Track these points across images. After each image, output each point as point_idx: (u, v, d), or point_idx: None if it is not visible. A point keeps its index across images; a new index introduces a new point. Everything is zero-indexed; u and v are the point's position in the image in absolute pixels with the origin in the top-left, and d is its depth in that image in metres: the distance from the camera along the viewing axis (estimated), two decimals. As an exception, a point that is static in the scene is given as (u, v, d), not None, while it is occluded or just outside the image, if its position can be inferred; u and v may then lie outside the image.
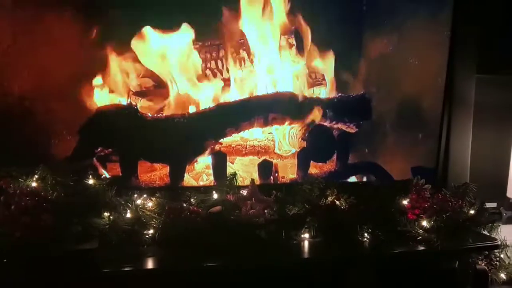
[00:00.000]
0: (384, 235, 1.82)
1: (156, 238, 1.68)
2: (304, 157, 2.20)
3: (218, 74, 2.34)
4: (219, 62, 2.33)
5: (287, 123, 2.22)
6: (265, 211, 1.77)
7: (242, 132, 2.19)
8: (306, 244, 1.79)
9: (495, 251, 2.15)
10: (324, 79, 2.44)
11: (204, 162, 2.22)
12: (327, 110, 2.28)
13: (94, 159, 2.00)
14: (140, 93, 2.28)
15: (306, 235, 1.81)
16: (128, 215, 1.71)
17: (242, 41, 2.32)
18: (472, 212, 1.93)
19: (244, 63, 2.31)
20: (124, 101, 2.25)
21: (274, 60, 2.32)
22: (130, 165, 1.99)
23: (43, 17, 2.05)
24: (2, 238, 1.50)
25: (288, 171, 2.30)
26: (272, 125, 2.23)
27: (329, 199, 1.86)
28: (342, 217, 1.82)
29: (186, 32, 2.23)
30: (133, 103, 2.20)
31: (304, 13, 2.34)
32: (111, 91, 2.24)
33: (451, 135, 2.26)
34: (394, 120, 2.50)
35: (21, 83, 2.03)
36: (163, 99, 2.27)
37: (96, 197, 1.72)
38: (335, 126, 2.33)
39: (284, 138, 2.33)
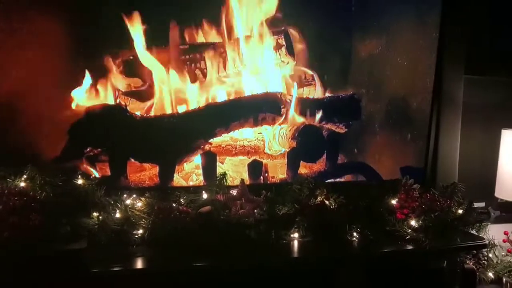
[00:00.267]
0: (373, 234, 1.83)
1: (146, 238, 1.67)
2: (294, 157, 2.20)
3: (207, 74, 2.33)
4: (208, 62, 2.32)
5: (276, 123, 2.22)
6: (255, 211, 1.77)
7: (232, 132, 2.19)
8: (295, 243, 1.79)
9: (483, 250, 2.17)
10: (313, 79, 2.45)
11: (194, 162, 2.21)
12: (316, 110, 2.28)
13: (83, 159, 1.99)
14: (129, 93, 2.28)
15: (296, 235, 1.82)
16: (117, 215, 1.70)
17: (232, 41, 2.32)
18: (460, 211, 1.95)
19: (234, 63, 2.31)
20: (113, 101, 2.24)
21: (263, 60, 2.32)
22: (119, 165, 1.98)
23: (29, 16, 2.04)
24: (-10, 238, 1.50)
25: (278, 171, 2.30)
26: (261, 125, 2.23)
27: (319, 199, 1.87)
28: (331, 217, 1.83)
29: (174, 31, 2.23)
30: (122, 102, 2.19)
31: (293, 14, 2.35)
32: (100, 90, 2.23)
33: (439, 135, 2.28)
34: (383, 120, 2.51)
35: (8, 82, 2.01)
36: (153, 99, 2.26)
37: (85, 197, 1.71)
38: (325, 126, 2.33)
39: (274, 138, 2.33)
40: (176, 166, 2.08)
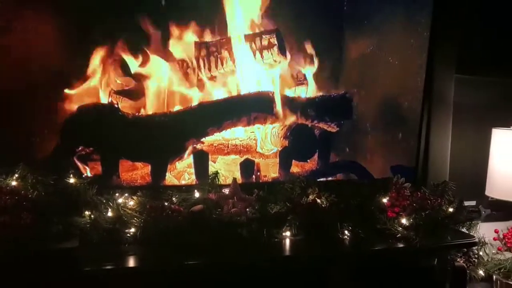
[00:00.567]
0: (364, 232, 1.85)
1: (138, 237, 1.67)
2: (286, 156, 2.21)
3: (200, 73, 2.33)
4: (201, 61, 2.32)
5: (268, 122, 2.23)
6: (247, 209, 1.77)
7: (224, 131, 2.20)
8: (287, 242, 1.80)
9: (474, 248, 2.19)
10: (305, 78, 2.45)
11: (186, 161, 2.22)
12: (308, 110, 2.29)
13: (75, 158, 1.99)
14: (122, 92, 2.27)
15: (288, 233, 1.82)
16: (110, 214, 1.70)
17: (223, 40, 2.32)
18: (451, 210, 1.96)
19: (226, 62, 2.31)
20: (105, 99, 2.24)
21: (255, 60, 2.33)
22: (111, 164, 1.98)
23: (21, 13, 2.03)
24: (-19, 237, 1.49)
25: (270, 170, 2.31)
26: (254, 124, 2.23)
27: (310, 197, 1.87)
28: (323, 215, 1.84)
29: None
30: (114, 101, 2.19)
31: (285, 13, 2.36)
32: (92, 89, 2.22)
33: (430, 135, 2.29)
34: (375, 120, 2.52)
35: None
36: (145, 98, 2.26)
37: (77, 196, 1.70)
38: (317, 125, 2.34)
39: (266, 137, 2.34)
40: (168, 165, 2.08)
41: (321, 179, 2.23)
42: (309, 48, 2.44)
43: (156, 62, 2.27)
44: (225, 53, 2.30)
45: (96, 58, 2.20)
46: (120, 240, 1.67)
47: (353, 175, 2.35)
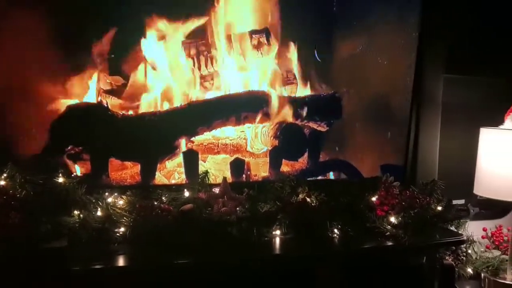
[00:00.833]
0: (354, 231, 1.85)
1: (127, 236, 1.67)
2: (276, 155, 2.21)
3: (190, 72, 2.33)
4: (191, 60, 2.32)
5: (259, 121, 2.23)
6: (237, 208, 1.78)
7: (214, 131, 2.20)
8: (277, 241, 1.80)
9: (462, 246, 2.20)
10: (295, 78, 2.46)
11: (176, 160, 2.21)
12: (298, 109, 2.29)
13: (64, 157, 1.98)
14: (111, 91, 2.27)
15: (278, 232, 1.83)
16: (99, 213, 1.70)
17: (213, 39, 2.32)
18: (439, 208, 1.97)
19: (216, 62, 2.31)
20: (94, 99, 2.23)
21: (245, 59, 2.33)
22: (100, 163, 1.98)
23: (9, 13, 2.02)
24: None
25: (260, 169, 2.31)
26: (244, 124, 2.24)
27: (300, 196, 1.88)
28: (312, 214, 1.85)
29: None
30: (104, 101, 2.18)
31: (275, 12, 2.36)
32: (81, 88, 2.22)
33: (419, 134, 2.31)
34: (364, 119, 2.53)
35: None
36: (134, 97, 2.26)
37: (65, 196, 1.70)
38: (306, 124, 2.35)
39: (256, 137, 2.34)
40: (158, 165, 2.08)
41: (311, 178, 2.24)
42: (299, 48, 2.45)
43: (145, 61, 2.26)
44: (214, 52, 2.30)
45: (86, 57, 2.19)
46: (109, 239, 1.67)
47: (343, 174, 2.35)
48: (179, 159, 2.13)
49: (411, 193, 1.94)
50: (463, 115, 2.48)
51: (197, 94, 2.32)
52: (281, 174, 2.18)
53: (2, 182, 1.63)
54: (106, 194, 1.77)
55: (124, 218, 1.69)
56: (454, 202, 2.23)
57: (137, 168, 2.08)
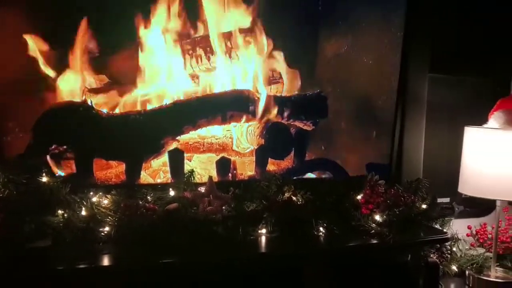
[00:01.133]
0: (339, 229, 1.87)
1: (112, 236, 1.66)
2: (262, 154, 2.21)
3: (176, 70, 2.32)
4: (178, 58, 2.31)
5: (244, 120, 2.23)
6: (223, 207, 1.77)
7: (199, 130, 2.19)
8: (263, 239, 1.81)
9: (447, 244, 2.22)
10: (281, 77, 2.46)
11: (161, 159, 2.20)
12: (284, 108, 2.30)
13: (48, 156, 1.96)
14: (95, 90, 2.25)
15: (263, 231, 1.83)
16: (83, 212, 1.69)
17: (198, 38, 2.32)
18: (424, 206, 1.99)
19: (201, 60, 2.30)
20: (78, 97, 2.21)
21: (231, 58, 2.33)
22: (85, 162, 1.96)
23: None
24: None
25: (246, 168, 2.31)
26: (230, 123, 2.23)
27: (286, 195, 1.88)
28: (298, 213, 1.85)
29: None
30: (88, 99, 2.17)
31: (261, 12, 2.36)
32: (65, 87, 2.20)
33: (404, 133, 2.32)
34: (350, 118, 2.54)
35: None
36: (119, 96, 2.24)
37: (49, 195, 1.69)
38: (292, 123, 2.35)
39: (242, 136, 2.34)
40: (143, 164, 2.07)
41: (297, 177, 2.24)
42: (284, 48, 2.45)
43: (131, 59, 2.25)
44: (200, 51, 2.29)
45: (69, 55, 2.17)
46: (94, 239, 1.66)
47: (328, 173, 2.36)
48: (165, 158, 2.12)
49: (396, 192, 1.95)
50: (448, 114, 2.50)
51: (183, 93, 2.30)
52: (267, 173, 2.17)
53: (-16, 182, 1.62)
54: (91, 193, 1.75)
55: (109, 217, 1.69)
56: (439, 200, 2.25)
57: (122, 167, 2.07)
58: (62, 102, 2.06)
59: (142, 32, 2.23)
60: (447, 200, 2.49)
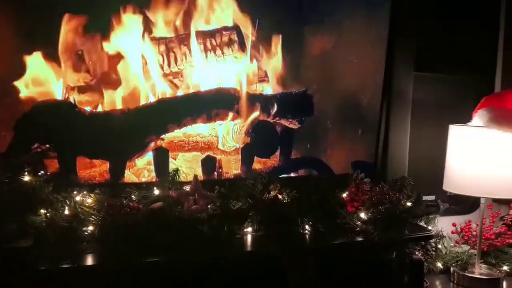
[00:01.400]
0: (324, 227, 1.87)
1: (96, 235, 1.64)
2: (247, 153, 2.21)
3: (159, 68, 2.30)
4: (161, 57, 2.29)
5: (230, 118, 2.22)
6: (208, 206, 1.76)
7: (184, 128, 2.18)
8: (248, 238, 1.80)
9: (432, 241, 2.24)
10: (266, 75, 2.45)
11: (145, 158, 2.19)
12: (270, 106, 2.29)
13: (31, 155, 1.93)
14: (78, 88, 2.22)
15: (249, 229, 1.83)
16: (66, 212, 1.66)
17: (183, 36, 2.30)
18: (409, 204, 2.00)
19: (186, 59, 2.29)
20: (61, 96, 2.19)
21: (216, 56, 2.32)
22: (68, 161, 1.94)
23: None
24: None
25: (232, 167, 2.30)
26: (215, 121, 2.22)
27: (272, 193, 1.87)
28: (284, 211, 1.85)
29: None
30: (71, 98, 2.14)
31: (245, 9, 2.36)
32: (47, 85, 2.17)
33: (389, 131, 2.33)
34: (335, 116, 2.55)
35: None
36: (102, 94, 2.22)
37: (32, 194, 1.66)
38: (278, 122, 2.35)
39: (227, 134, 2.33)
40: (127, 162, 2.05)
41: (283, 175, 2.24)
42: (270, 45, 2.45)
43: (115, 57, 2.23)
44: (184, 49, 2.28)
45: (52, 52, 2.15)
46: (77, 238, 1.64)
47: (314, 171, 2.36)
48: (149, 156, 2.11)
49: (381, 190, 1.96)
50: (433, 112, 2.51)
51: (167, 91, 2.29)
52: (253, 171, 2.16)
53: (-35, 181, 1.59)
54: (74, 192, 1.73)
55: (93, 216, 1.66)
56: (425, 198, 2.27)
57: (106, 166, 2.05)
58: (44, 100, 2.04)
59: (126, 29, 2.22)
60: (432, 197, 2.50)
